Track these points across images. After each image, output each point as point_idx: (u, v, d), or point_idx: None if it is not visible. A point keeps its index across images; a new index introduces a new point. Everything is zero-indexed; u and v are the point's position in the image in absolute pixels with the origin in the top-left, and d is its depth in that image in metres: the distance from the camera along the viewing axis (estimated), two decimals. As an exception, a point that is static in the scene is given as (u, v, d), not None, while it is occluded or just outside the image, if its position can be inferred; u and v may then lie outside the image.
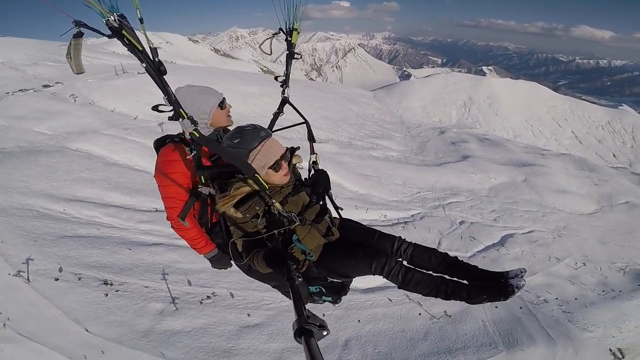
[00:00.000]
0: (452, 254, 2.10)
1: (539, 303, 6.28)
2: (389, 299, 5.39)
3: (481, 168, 15.27)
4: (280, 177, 1.84)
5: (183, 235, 1.99)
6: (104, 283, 4.43)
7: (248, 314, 4.41)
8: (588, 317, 6.03)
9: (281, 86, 2.32)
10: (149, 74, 1.46)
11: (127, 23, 1.31)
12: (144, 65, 1.42)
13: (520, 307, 6.03)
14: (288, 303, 4.73)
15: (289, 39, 2.18)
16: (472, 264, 2.08)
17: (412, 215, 9.94)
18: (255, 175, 1.67)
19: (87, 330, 3.63)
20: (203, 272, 4.98)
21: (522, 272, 1.98)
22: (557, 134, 35.74)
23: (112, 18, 1.26)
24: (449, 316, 5.22)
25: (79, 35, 1.36)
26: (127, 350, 3.40)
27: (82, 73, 1.47)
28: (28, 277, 4.34)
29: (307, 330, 1.10)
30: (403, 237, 2.11)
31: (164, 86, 1.51)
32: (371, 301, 5.19)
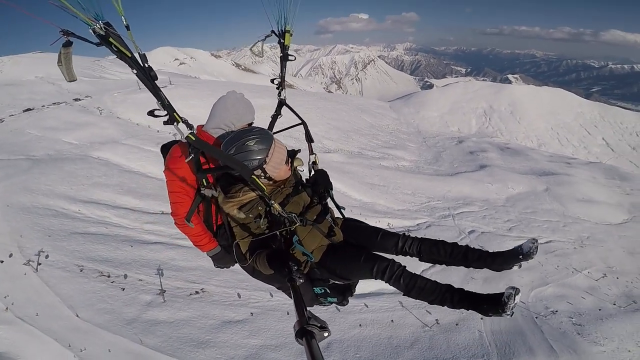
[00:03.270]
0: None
1: (546, 314, 5.90)
2: (380, 306, 5.29)
3: (499, 178, 14.73)
4: (287, 171, 1.90)
5: (187, 232, 1.99)
6: (103, 275, 4.71)
7: (239, 310, 4.47)
8: (602, 330, 5.60)
9: (277, 88, 2.34)
10: (141, 80, 1.47)
11: (114, 31, 1.33)
12: (135, 71, 1.44)
13: (525, 317, 5.72)
14: (275, 303, 4.78)
15: (282, 41, 2.17)
16: (484, 249, 1.98)
17: (417, 224, 9.76)
18: (253, 177, 1.68)
19: (77, 316, 3.88)
20: (197, 269, 5.17)
21: (533, 242, 1.86)
22: (586, 142, 33.80)
23: (98, 26, 1.28)
24: (440, 325, 5.02)
25: (69, 44, 1.36)
26: (108, 335, 3.59)
27: (74, 81, 1.50)
28: (36, 266, 4.71)
29: (308, 331, 1.09)
30: (408, 234, 2.05)
31: (156, 91, 1.51)
32: (361, 306, 5.12)
